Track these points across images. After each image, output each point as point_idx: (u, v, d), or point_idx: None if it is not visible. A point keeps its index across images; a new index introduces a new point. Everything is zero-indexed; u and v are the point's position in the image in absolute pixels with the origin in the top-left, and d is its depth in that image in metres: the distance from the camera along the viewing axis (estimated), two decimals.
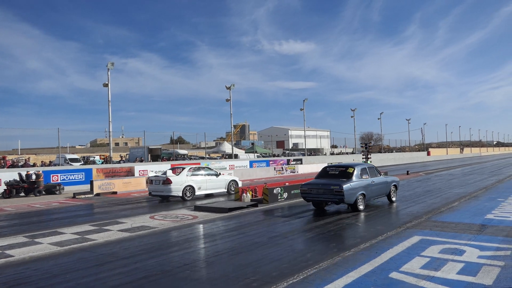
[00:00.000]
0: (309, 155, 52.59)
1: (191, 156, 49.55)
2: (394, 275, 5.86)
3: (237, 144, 76.50)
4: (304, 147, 52.18)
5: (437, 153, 73.96)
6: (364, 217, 11.25)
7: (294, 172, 35.41)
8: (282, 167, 34.96)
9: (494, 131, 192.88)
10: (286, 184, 16.67)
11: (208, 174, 18.08)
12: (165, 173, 17.17)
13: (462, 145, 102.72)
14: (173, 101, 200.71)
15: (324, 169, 13.65)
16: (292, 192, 16.10)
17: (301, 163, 39.87)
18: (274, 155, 55.03)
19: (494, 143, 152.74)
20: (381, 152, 65.38)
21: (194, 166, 18.78)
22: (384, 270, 6.07)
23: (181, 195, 16.60)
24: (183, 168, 17.51)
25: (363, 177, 12.66)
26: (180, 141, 70.18)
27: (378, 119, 65.46)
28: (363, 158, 24.27)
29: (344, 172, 12.59)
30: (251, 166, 34.35)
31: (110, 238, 9.13)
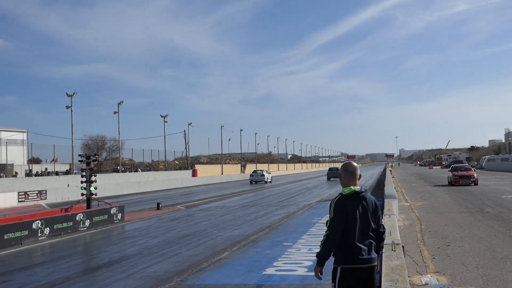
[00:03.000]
0: None
1: None
2: None
3: None
4: None
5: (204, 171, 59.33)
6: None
7: None
8: None
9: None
10: None
11: (268, 173, 51.61)
12: (262, 172, 51.29)
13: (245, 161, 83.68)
14: None
15: (330, 169, 52.04)
16: None
17: None
18: None
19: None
20: (118, 172, 46.92)
21: (266, 170, 56.20)
22: None
23: (266, 181, 48.11)
24: (265, 171, 52.57)
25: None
26: None
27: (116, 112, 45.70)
28: (82, 183, 16.72)
29: (336, 168, 43.15)
30: None
31: None
